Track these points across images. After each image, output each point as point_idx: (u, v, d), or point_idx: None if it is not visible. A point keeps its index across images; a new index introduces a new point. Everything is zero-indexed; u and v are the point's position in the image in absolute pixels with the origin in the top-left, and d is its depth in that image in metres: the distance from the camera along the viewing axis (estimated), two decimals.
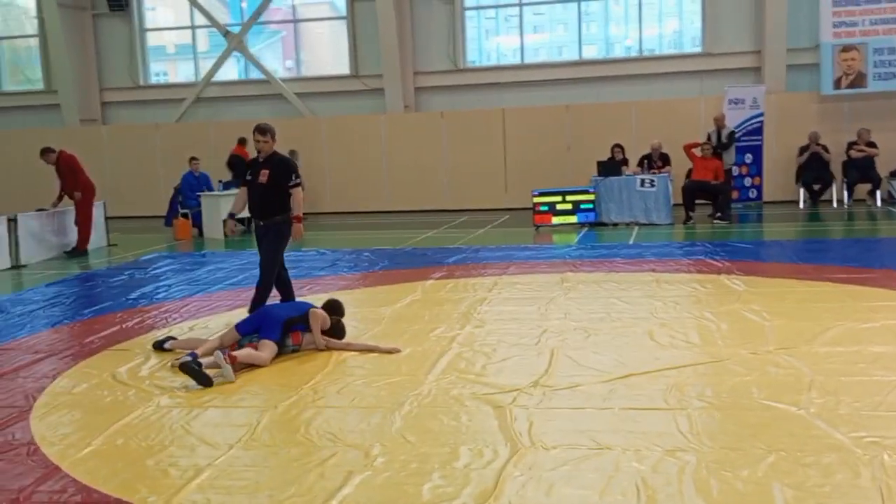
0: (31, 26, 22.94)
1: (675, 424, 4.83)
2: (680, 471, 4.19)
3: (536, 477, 4.19)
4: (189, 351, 6.63)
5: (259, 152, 8.05)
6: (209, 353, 6.47)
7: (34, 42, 23.01)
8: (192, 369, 5.98)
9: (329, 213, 20.03)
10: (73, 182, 13.86)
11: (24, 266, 12.83)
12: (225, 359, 6.15)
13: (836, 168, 17.14)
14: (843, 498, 3.83)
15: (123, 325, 8.17)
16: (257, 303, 7.86)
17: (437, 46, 20.48)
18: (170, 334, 7.44)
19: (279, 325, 6.74)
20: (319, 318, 6.90)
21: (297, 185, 7.94)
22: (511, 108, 19.79)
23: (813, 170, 17.06)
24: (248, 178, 8.06)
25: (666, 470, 4.21)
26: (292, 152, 19.08)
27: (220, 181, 17.18)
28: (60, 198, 14.20)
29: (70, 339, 7.72)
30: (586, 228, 15.04)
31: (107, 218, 15.36)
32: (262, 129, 8.02)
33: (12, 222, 12.95)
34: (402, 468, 4.38)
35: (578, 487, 4.06)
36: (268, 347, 6.58)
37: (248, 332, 6.77)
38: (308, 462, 4.50)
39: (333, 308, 7.15)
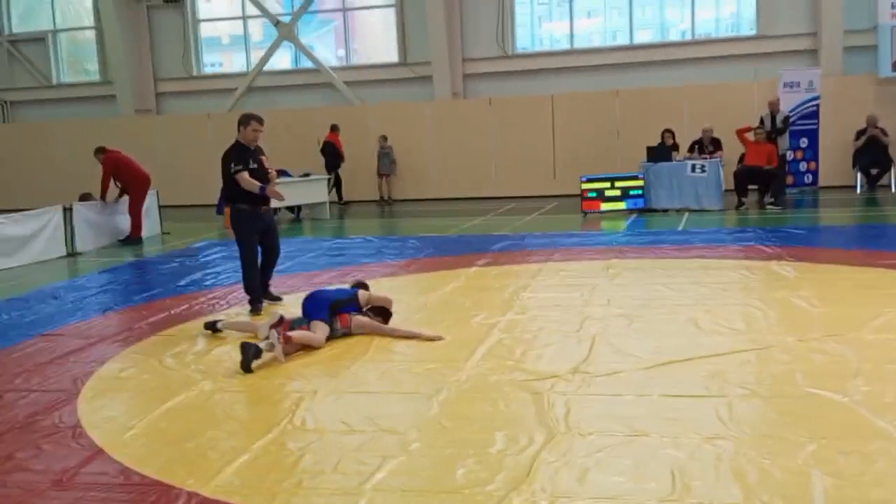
0: (88, 18, 23.42)
1: (714, 412, 4.76)
2: (717, 458, 4.13)
3: (571, 463, 4.16)
4: (243, 333, 6.93)
5: (255, 140, 8.19)
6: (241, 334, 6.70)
7: (91, 34, 23.49)
8: (247, 351, 6.05)
9: (375, 201, 20.12)
10: (105, 184, 14.17)
11: (79, 254, 13.14)
12: (280, 338, 6.25)
13: (894, 152, 16.69)
14: (884, 486, 3.74)
15: (172, 312, 8.32)
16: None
17: (486, 33, 20.41)
18: (219, 317, 7.55)
19: (326, 307, 6.80)
20: (366, 298, 7.04)
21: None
22: (560, 94, 19.65)
23: (870, 154, 16.65)
24: (254, 165, 8.13)
25: (702, 457, 4.15)
26: (383, 137, 19.45)
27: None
28: (120, 194, 14.53)
29: (119, 325, 7.89)
30: (635, 215, 14.89)
31: (160, 207, 15.64)
32: (262, 120, 8.24)
33: (68, 211, 13.26)
34: (436, 453, 4.39)
35: (612, 474, 4.02)
36: (319, 328, 6.65)
37: (308, 316, 6.83)
38: (344, 446, 4.53)
39: (362, 286, 7.31)
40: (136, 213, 14.29)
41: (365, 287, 7.34)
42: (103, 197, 14.23)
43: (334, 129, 19.50)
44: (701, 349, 6.03)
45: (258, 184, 8.03)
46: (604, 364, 5.81)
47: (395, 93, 21.00)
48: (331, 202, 19.31)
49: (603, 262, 9.89)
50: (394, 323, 7.12)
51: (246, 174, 8.03)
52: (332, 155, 19.40)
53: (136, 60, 22.27)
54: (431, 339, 6.71)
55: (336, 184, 19.62)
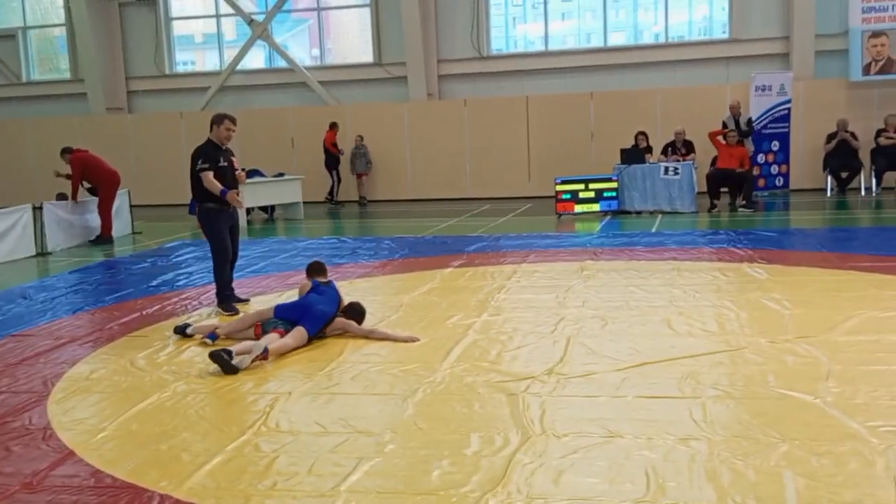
0: (59, 16, 23.15)
1: (688, 413, 4.79)
2: (691, 459, 4.15)
3: (546, 464, 4.17)
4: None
5: (227, 140, 8.19)
6: (239, 333, 6.74)
7: (61, 31, 23.22)
8: (220, 358, 5.99)
9: (350, 201, 20.07)
10: (76, 185, 14.06)
11: (49, 253, 12.98)
12: (261, 355, 6.14)
13: (865, 156, 16.89)
14: (856, 487, 3.78)
15: (143, 312, 8.24)
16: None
17: (461, 34, 20.41)
18: (189, 321, 7.49)
19: (322, 322, 6.75)
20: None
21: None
22: (535, 95, 19.70)
23: (841, 157, 16.83)
24: (224, 164, 8.13)
25: (677, 458, 4.17)
26: (359, 137, 19.41)
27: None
28: (90, 192, 14.41)
29: (90, 326, 7.80)
30: (609, 216, 14.96)
31: (131, 206, 15.50)
32: (235, 120, 8.28)
33: (38, 210, 13.10)
34: (412, 455, 4.38)
35: (588, 475, 4.03)
36: (299, 336, 6.55)
37: (285, 317, 6.73)
38: (319, 448, 4.51)
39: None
40: (105, 212, 14.15)
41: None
42: (74, 197, 14.08)
43: (331, 126, 19.45)
44: (674, 351, 6.07)
45: (220, 186, 8.00)
46: (578, 365, 5.83)
47: (370, 93, 20.95)
48: (326, 200, 19.45)
49: (577, 263, 9.93)
50: (369, 324, 7.09)
51: (211, 174, 8.01)
52: (326, 154, 19.39)
53: (107, 58, 22.04)
54: (407, 341, 6.69)
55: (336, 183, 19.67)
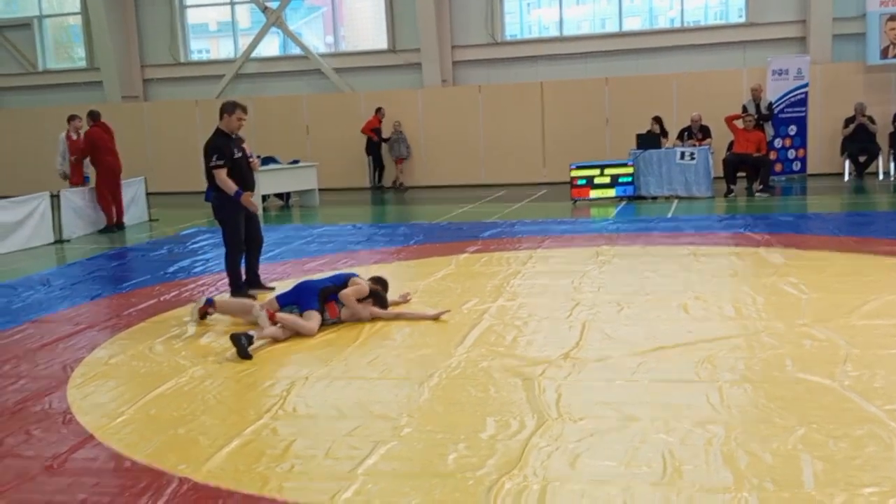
0: (74, 4, 23.20)
1: (704, 397, 4.78)
2: (707, 443, 4.15)
3: (562, 448, 4.18)
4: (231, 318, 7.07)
5: (238, 129, 8.12)
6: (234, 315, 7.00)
7: (76, 20, 23.29)
8: (239, 341, 6.04)
9: (365, 189, 20.08)
10: (79, 160, 14.04)
11: (66, 241, 13.06)
12: (263, 314, 6.34)
13: (883, 139, 16.75)
14: (874, 471, 3.77)
15: (161, 298, 8.29)
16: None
17: (476, 20, 20.32)
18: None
19: (315, 295, 6.78)
20: (353, 286, 6.93)
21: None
22: (549, 81, 19.61)
23: (858, 141, 16.70)
24: (238, 154, 8.06)
25: (693, 442, 4.17)
26: (398, 123, 19.45)
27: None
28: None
29: (108, 312, 7.86)
30: (624, 202, 14.90)
31: (148, 193, 15.56)
32: (246, 109, 8.20)
33: (55, 198, 13.17)
34: (428, 438, 4.40)
35: (604, 458, 4.04)
36: (313, 317, 6.64)
37: (286, 303, 6.82)
38: (336, 431, 4.53)
39: (377, 280, 7.24)
40: (103, 201, 13.97)
41: (378, 282, 7.21)
42: (73, 177, 14.03)
43: (377, 111, 19.52)
44: (691, 335, 6.06)
45: (234, 187, 7.91)
46: (594, 350, 5.83)
47: (384, 80, 20.92)
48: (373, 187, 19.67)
49: (593, 249, 9.90)
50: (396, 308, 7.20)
51: (224, 172, 7.89)
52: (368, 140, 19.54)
53: (122, 47, 22.09)
54: (437, 318, 6.81)
55: (375, 168, 19.80)
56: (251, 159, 8.41)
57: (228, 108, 8.03)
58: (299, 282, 7.20)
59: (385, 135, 19.69)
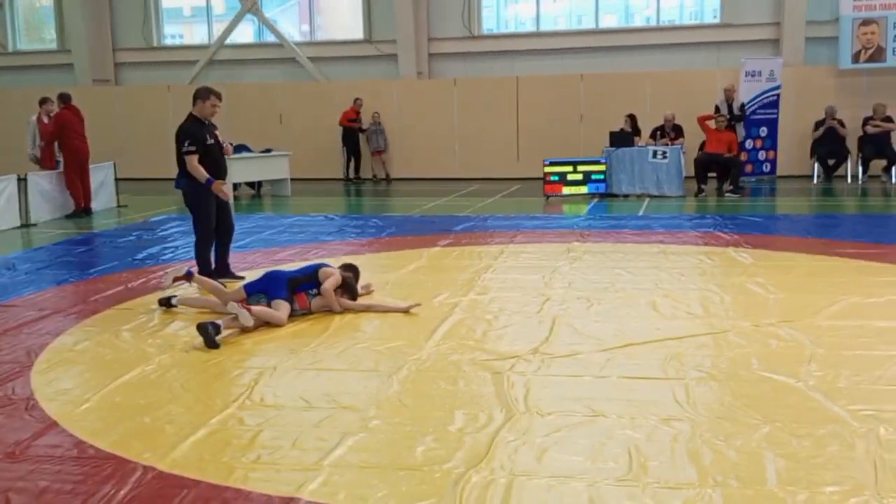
0: None
1: (671, 394, 4.82)
2: (673, 439, 4.18)
3: (529, 442, 4.19)
4: (199, 308, 7.02)
5: (212, 116, 8.06)
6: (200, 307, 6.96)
7: (48, 0, 22.95)
8: (206, 331, 5.99)
9: (338, 179, 20.00)
10: (50, 140, 13.86)
11: (33, 225, 12.89)
12: (239, 307, 6.27)
13: (852, 143, 16.95)
14: (836, 469, 3.81)
15: (128, 285, 8.21)
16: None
17: (453, 13, 20.29)
18: (175, 293, 7.46)
19: (284, 285, 6.75)
20: (329, 275, 6.90)
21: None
22: (525, 76, 19.64)
23: (828, 144, 16.88)
24: (210, 141, 8.00)
25: (659, 438, 4.20)
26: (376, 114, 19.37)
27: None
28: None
29: (75, 298, 7.77)
30: (596, 199, 14.97)
31: (117, 179, 15.39)
32: (221, 95, 8.12)
33: (22, 181, 12.99)
34: (396, 431, 4.39)
35: (571, 453, 4.06)
36: (282, 307, 6.60)
37: (253, 291, 6.77)
38: (303, 422, 4.52)
39: (348, 267, 7.22)
40: (72, 185, 13.83)
41: (348, 269, 7.19)
42: (44, 161, 13.87)
43: (354, 102, 19.45)
44: (659, 332, 6.10)
45: (205, 175, 7.87)
46: (563, 345, 5.85)
47: (359, 70, 20.84)
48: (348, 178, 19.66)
49: (564, 245, 9.94)
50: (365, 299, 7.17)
51: (196, 158, 7.84)
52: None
53: (94, 29, 21.82)
54: (408, 311, 6.80)
55: (349, 160, 19.76)
56: (224, 145, 8.35)
57: (202, 94, 7.96)
58: (268, 271, 7.16)
59: (364, 125, 19.62)
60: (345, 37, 21.45)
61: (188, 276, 7.22)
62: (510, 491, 3.68)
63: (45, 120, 14.07)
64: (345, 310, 6.89)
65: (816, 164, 17.07)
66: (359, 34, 21.02)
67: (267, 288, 6.77)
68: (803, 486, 3.66)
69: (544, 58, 19.94)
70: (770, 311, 6.65)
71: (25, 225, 12.80)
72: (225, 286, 7.48)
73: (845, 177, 16.89)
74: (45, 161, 14.13)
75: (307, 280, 6.89)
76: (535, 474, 3.84)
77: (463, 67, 20.37)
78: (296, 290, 6.81)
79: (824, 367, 5.22)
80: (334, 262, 7.96)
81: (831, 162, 16.99)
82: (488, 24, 20.89)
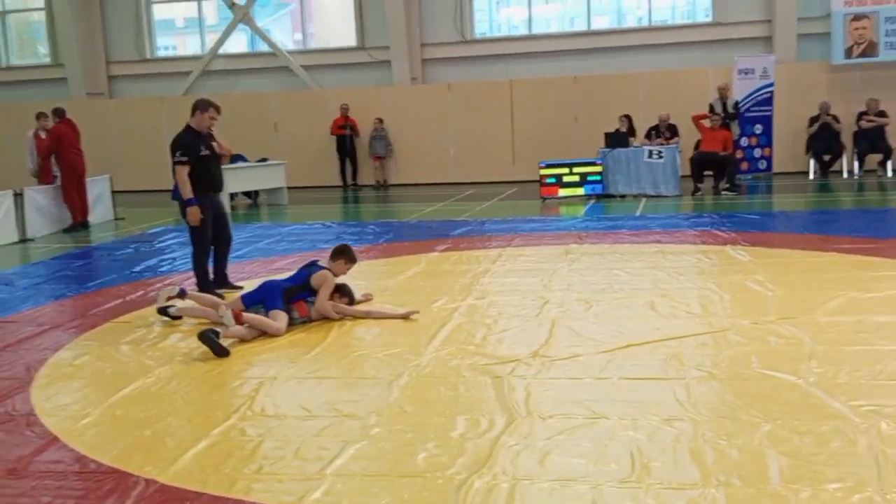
0: None
1: (672, 394, 4.82)
2: (675, 439, 4.18)
3: (531, 446, 4.18)
4: (198, 318, 6.98)
5: (209, 128, 8.02)
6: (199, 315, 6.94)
7: (41, 16, 22.96)
8: (210, 339, 5.98)
9: (334, 187, 20.00)
10: (45, 157, 13.84)
11: (30, 240, 12.88)
12: (228, 313, 6.29)
13: (847, 138, 16.98)
14: (838, 466, 3.81)
15: (127, 298, 8.20)
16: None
17: (445, 18, 20.32)
18: (172, 302, 7.44)
19: (280, 295, 6.74)
20: (321, 282, 6.88)
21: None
22: (519, 79, 19.66)
23: (823, 140, 16.90)
24: (206, 152, 7.95)
25: (661, 438, 4.20)
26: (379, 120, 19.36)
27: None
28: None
29: (73, 312, 7.76)
30: (593, 200, 14.97)
31: (113, 192, 15.38)
32: (220, 108, 8.05)
33: (19, 196, 12.98)
34: (397, 438, 4.39)
35: (573, 456, 4.05)
36: (280, 317, 6.58)
37: (252, 302, 6.77)
38: (304, 432, 4.51)
39: (341, 252, 7.18)
40: (69, 199, 13.82)
41: (342, 254, 7.18)
42: (41, 176, 13.87)
43: (340, 109, 19.54)
44: (658, 333, 6.10)
45: (189, 193, 7.76)
46: (563, 348, 5.85)
47: (353, 77, 20.85)
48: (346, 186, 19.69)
49: (562, 247, 9.94)
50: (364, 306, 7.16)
51: (185, 170, 7.76)
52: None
53: (87, 43, 21.82)
54: (406, 317, 6.78)
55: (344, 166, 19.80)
56: (223, 155, 8.28)
57: (202, 106, 7.91)
58: (264, 281, 7.15)
59: (360, 131, 19.61)
60: (338, 44, 21.47)
61: (181, 295, 7.17)
62: (513, 496, 3.67)
63: (42, 135, 14.07)
64: (343, 317, 6.89)
65: (812, 161, 17.08)
66: (352, 41, 21.04)
67: (264, 298, 6.76)
68: (806, 483, 3.66)
69: (537, 60, 19.95)
70: (769, 309, 6.65)
71: (23, 240, 12.78)
72: (223, 297, 7.47)
73: (841, 172, 16.91)
74: (42, 176, 14.13)
75: (300, 290, 6.88)
76: (538, 478, 3.83)
77: (456, 72, 20.39)
78: (293, 298, 6.81)
79: (824, 364, 5.22)
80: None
81: (826, 158, 17.01)
82: (481, 28, 20.91)
